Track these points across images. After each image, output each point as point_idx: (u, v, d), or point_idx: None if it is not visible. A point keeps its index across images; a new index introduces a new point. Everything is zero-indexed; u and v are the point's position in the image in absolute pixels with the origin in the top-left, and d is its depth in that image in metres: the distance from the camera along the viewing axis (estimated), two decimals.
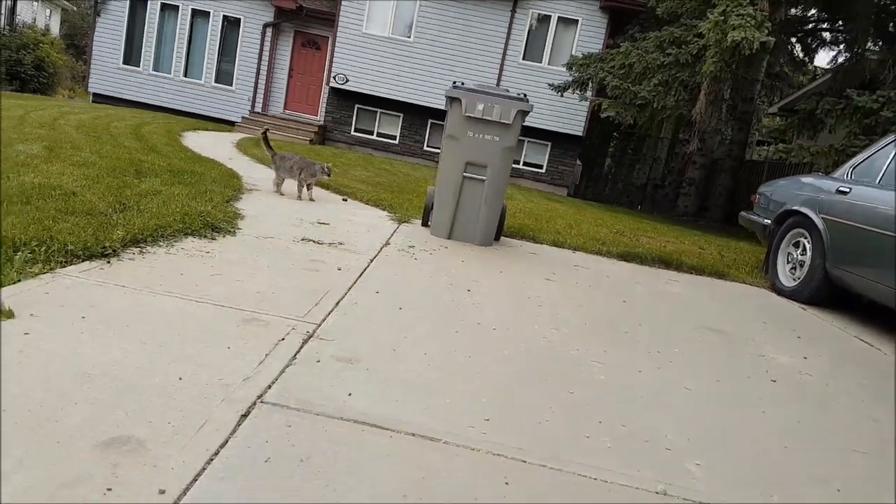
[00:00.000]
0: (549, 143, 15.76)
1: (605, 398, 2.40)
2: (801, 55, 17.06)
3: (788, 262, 5.20)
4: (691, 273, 5.45)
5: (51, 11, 26.78)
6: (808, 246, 4.92)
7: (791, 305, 4.81)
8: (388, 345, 2.54)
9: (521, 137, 15.26)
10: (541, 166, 15.99)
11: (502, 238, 5.51)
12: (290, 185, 6.11)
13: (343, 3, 15.00)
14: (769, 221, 5.49)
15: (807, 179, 5.49)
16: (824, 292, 4.75)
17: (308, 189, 6.06)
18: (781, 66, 18.10)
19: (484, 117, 4.88)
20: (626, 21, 15.61)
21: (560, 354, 2.80)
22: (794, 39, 15.86)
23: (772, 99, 17.59)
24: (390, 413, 1.97)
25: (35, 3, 24.36)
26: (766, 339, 3.66)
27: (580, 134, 15.36)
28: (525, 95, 5.08)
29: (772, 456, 2.16)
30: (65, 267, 2.69)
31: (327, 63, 15.68)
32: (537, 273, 4.42)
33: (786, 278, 5.16)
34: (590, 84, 12.86)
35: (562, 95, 13.61)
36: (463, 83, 5.11)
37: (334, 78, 15.28)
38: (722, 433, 2.29)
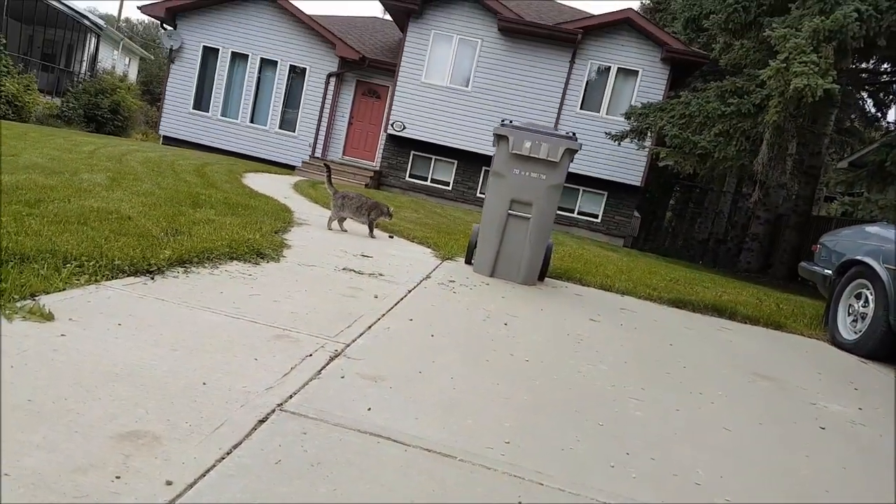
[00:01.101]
0: (606, 193, 15.64)
1: (637, 432, 2.29)
2: (872, 110, 16.57)
3: (849, 315, 4.93)
4: (746, 322, 5.23)
5: (129, 59, 28.76)
6: (870, 297, 4.66)
7: (850, 358, 4.53)
8: (414, 367, 2.51)
9: (576, 186, 15.33)
10: (596, 216, 15.84)
11: (547, 279, 5.44)
12: (340, 222, 6.24)
13: (404, 54, 15.55)
14: (830, 272, 5.24)
15: (871, 229, 5.23)
16: (887, 346, 4.46)
17: (371, 227, 6.30)
18: (852, 121, 17.61)
19: (531, 155, 4.89)
20: (688, 72, 15.57)
21: (594, 389, 2.71)
22: (864, 94, 15.44)
23: (842, 155, 17.06)
24: (408, 428, 1.93)
25: (115, 52, 26.21)
26: (818, 389, 3.44)
27: (638, 184, 15.20)
28: (574, 134, 5.08)
29: (811, 498, 2.01)
30: (110, 280, 2.79)
31: (386, 111, 16.17)
32: (580, 313, 4.33)
33: (846, 331, 4.88)
34: (648, 133, 12.79)
35: (619, 144, 13.56)
36: (511, 121, 5.16)
37: (392, 125, 15.72)
38: (758, 473, 2.15)
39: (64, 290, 2.51)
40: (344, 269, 4.22)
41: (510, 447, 1.94)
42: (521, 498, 1.65)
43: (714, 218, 19.17)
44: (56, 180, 5.10)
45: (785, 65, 9.19)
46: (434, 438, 1.90)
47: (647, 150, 13.59)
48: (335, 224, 6.24)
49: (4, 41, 15.92)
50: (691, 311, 5.32)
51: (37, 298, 2.31)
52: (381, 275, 4.25)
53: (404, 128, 15.69)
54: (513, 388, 2.49)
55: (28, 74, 16.94)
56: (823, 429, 2.75)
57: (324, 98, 16.64)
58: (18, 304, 2.20)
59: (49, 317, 2.16)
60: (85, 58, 23.27)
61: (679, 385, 3.02)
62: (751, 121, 10.90)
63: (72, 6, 21.64)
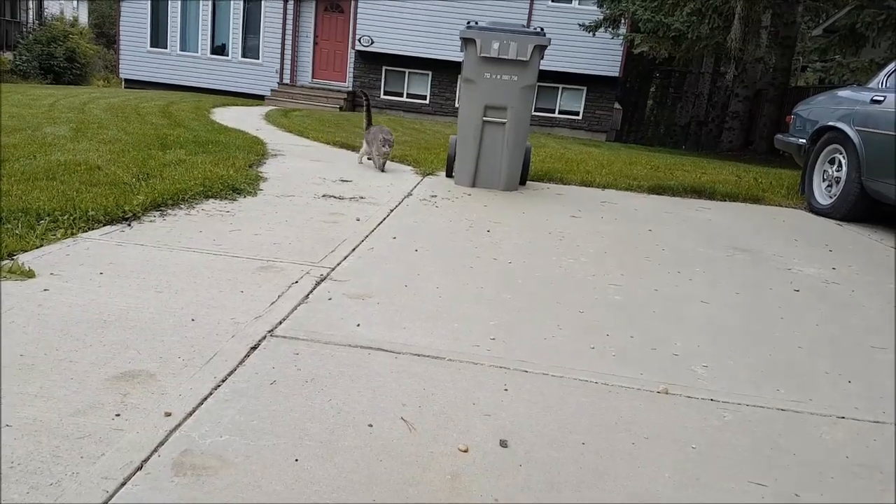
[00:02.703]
0: (585, 88, 15.36)
1: (617, 315, 2.39)
2: None
3: (824, 181, 5.02)
4: (724, 200, 5.31)
5: (77, 2, 27.22)
6: (843, 161, 4.73)
7: (827, 223, 4.66)
8: (400, 282, 2.56)
9: (554, 84, 15.03)
10: (577, 113, 15.63)
11: (529, 183, 5.44)
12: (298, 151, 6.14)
13: None
14: (804, 140, 5.27)
15: (843, 93, 5.22)
16: (861, 208, 4.58)
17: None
18: None
19: (500, 56, 4.76)
20: None
21: (575, 281, 2.79)
22: None
23: (817, 22, 16.64)
24: (397, 338, 2.00)
25: None
26: (794, 255, 3.56)
27: (616, 75, 14.91)
28: (542, 29, 4.93)
29: (784, 356, 2.14)
30: (86, 232, 2.79)
31: (351, 26, 15.55)
32: (561, 211, 4.37)
33: (822, 196, 4.99)
34: (622, 20, 12.43)
35: (594, 35, 13.20)
36: (477, 22, 4.99)
37: (359, 41, 15.18)
38: (733, 339, 2.27)
39: (41, 246, 2.52)
40: (324, 195, 4.21)
41: (495, 343, 2.03)
42: (507, 385, 1.75)
43: (694, 101, 18.96)
44: (18, 137, 4.97)
45: None
46: (422, 344, 1.98)
47: (622, 38, 13.24)
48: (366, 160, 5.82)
49: None
50: (671, 195, 5.38)
51: (15, 257, 2.32)
52: (362, 198, 4.25)
53: (372, 42, 15.16)
54: (496, 290, 2.56)
55: None
56: (798, 291, 2.88)
57: (284, 19, 15.94)
58: None
59: (30, 273, 2.18)
60: (31, 5, 22.02)
61: (658, 268, 3.11)
62: None
63: None
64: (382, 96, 16.01)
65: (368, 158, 5.76)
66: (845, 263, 3.46)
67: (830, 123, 4.87)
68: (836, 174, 4.83)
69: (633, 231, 3.96)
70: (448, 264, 2.89)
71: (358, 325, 2.07)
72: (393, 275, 2.66)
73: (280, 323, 2.04)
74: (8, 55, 18.48)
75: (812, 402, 1.82)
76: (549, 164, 6.37)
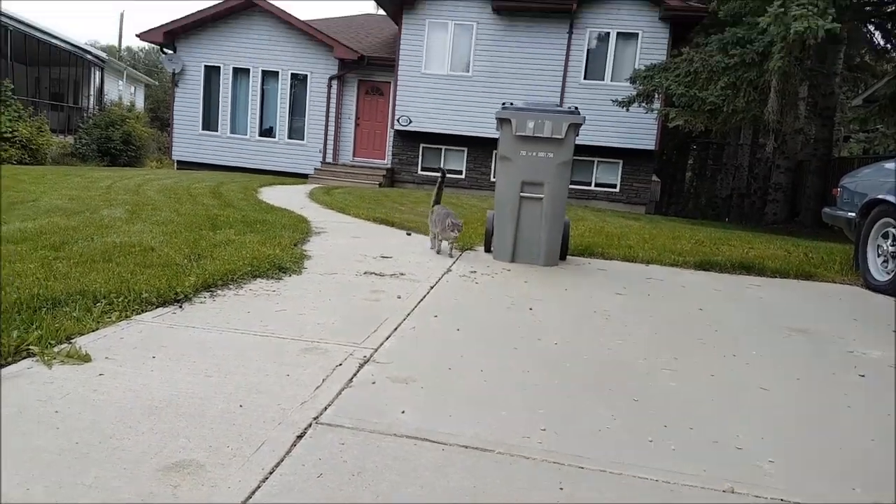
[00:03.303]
0: (621, 161, 15.49)
1: (673, 403, 2.30)
2: (882, 42, 16.08)
3: (879, 255, 4.85)
4: (775, 276, 5.18)
5: (135, 88, 29.06)
6: None
7: (886, 300, 4.47)
8: (443, 365, 2.54)
9: (589, 158, 15.21)
10: (614, 186, 15.70)
11: (569, 257, 5.43)
12: (343, 227, 6.27)
13: (402, 47, 15.52)
14: (854, 214, 5.16)
15: (890, 165, 5.12)
16: None
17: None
18: (862, 57, 17.14)
19: (535, 135, 4.88)
20: (689, 28, 15.31)
21: (626, 365, 2.71)
22: (871, 27, 15.00)
23: (855, 92, 16.65)
24: (443, 427, 1.96)
25: (120, 82, 26.51)
26: (855, 336, 3.41)
27: (652, 148, 15.02)
28: (576, 108, 5.05)
29: (856, 449, 2.01)
30: (140, 314, 2.87)
31: (390, 107, 16.18)
32: (605, 288, 4.32)
33: (878, 272, 4.82)
34: (655, 95, 12.62)
35: (627, 110, 13.41)
36: (512, 103, 5.14)
37: (398, 121, 15.74)
38: (799, 430, 2.15)
39: (97, 329, 2.58)
40: (365, 273, 4.26)
41: (546, 434, 1.96)
42: (563, 484, 1.67)
43: (735, 172, 18.87)
44: (77, 220, 5.21)
45: (783, 9, 9.00)
46: (470, 434, 1.93)
47: (656, 112, 13.43)
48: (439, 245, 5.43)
49: (12, 86, 16.22)
50: (719, 272, 5.28)
51: (73, 341, 2.39)
52: (402, 274, 4.29)
53: (410, 122, 15.69)
54: (543, 374, 2.51)
55: (39, 116, 17.27)
56: (863, 376, 2.73)
57: (328, 102, 16.69)
58: (56, 349, 2.27)
59: (86, 358, 2.23)
60: (91, 92, 23.61)
61: (712, 350, 3.02)
62: (756, 70, 10.70)
63: (73, 42, 21.93)
64: (420, 172, 16.42)
65: (439, 242, 5.38)
66: None
67: (880, 196, 4.77)
68: (891, 249, 4.68)
69: (682, 310, 3.87)
70: (491, 345, 2.86)
71: (403, 412, 2.05)
72: (436, 356, 2.64)
73: (325, 409, 2.03)
74: (69, 139, 19.67)
75: None
76: (588, 239, 6.36)
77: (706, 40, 12.48)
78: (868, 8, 13.18)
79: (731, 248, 6.65)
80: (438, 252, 5.31)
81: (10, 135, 14.85)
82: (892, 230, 4.68)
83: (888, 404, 2.43)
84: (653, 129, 14.73)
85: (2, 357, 2.17)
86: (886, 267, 4.74)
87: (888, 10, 14.03)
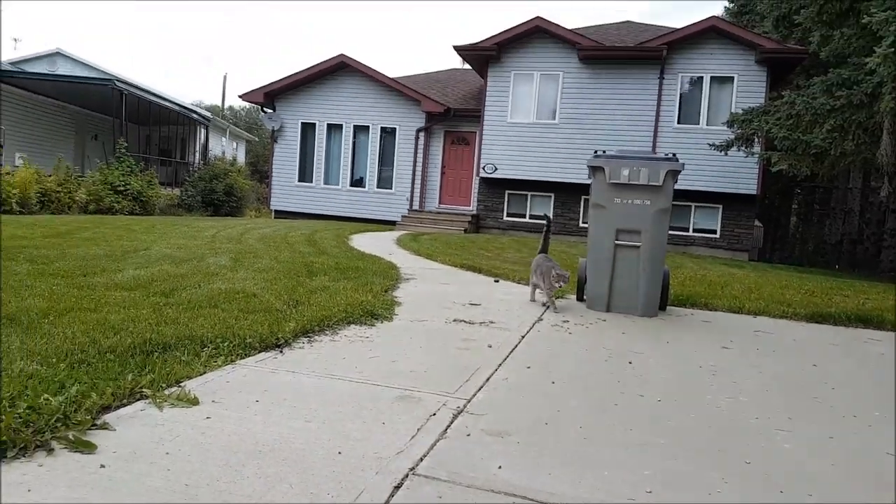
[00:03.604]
0: (720, 206, 14.94)
1: (789, 468, 2.12)
2: None
3: None
4: None
5: (237, 143, 31.18)
6: None
7: None
8: (539, 419, 2.46)
9: (686, 203, 14.75)
10: (713, 231, 15.11)
11: (669, 308, 5.21)
12: (437, 274, 6.32)
13: (487, 98, 15.86)
14: None
15: None
16: None
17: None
18: None
19: (631, 182, 4.78)
20: (788, 70, 14.79)
21: (736, 424, 2.53)
22: None
23: None
24: (542, 485, 1.88)
25: (223, 138, 28.50)
26: None
27: (754, 192, 14.42)
28: (674, 154, 4.92)
29: None
30: (243, 358, 2.98)
31: (476, 156, 16.47)
32: (710, 341, 4.09)
33: None
34: (755, 138, 12.15)
35: (726, 154, 12.98)
36: (605, 151, 5.08)
37: (483, 168, 15.95)
38: None
39: (204, 373, 2.70)
40: (454, 320, 4.25)
41: (652, 497, 1.84)
42: None
43: (844, 217, 17.72)
44: (185, 268, 5.54)
45: (892, 48, 8.51)
46: (570, 494, 1.84)
47: (756, 156, 12.91)
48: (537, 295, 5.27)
49: (126, 144, 17.72)
50: (833, 324, 4.90)
51: (182, 384, 2.50)
52: (491, 322, 4.25)
53: (496, 169, 15.86)
54: (647, 433, 2.37)
55: (149, 171, 18.71)
56: None
57: (415, 153, 17.22)
58: (167, 392, 2.38)
59: (195, 401, 2.32)
60: (197, 148, 25.48)
61: (829, 410, 2.78)
62: (865, 111, 10.11)
63: (181, 103, 23.85)
64: (505, 217, 16.48)
65: (540, 292, 5.16)
66: None
67: None
68: None
69: (795, 366, 3.60)
70: (590, 400, 2.75)
71: (499, 468, 1.98)
72: (531, 410, 2.56)
73: (421, 460, 2.00)
74: (176, 191, 21.20)
75: None
76: (689, 288, 6.10)
77: (808, 82, 11.96)
78: None
79: (844, 298, 6.17)
80: (533, 300, 5.18)
81: (123, 188, 16.17)
82: None
83: None
84: (753, 172, 14.16)
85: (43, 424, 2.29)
86: None
87: None
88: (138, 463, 1.85)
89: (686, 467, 2.09)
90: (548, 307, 4.95)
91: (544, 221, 5.81)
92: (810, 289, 6.93)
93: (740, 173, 14.22)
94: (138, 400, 2.32)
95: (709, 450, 2.25)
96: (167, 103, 22.21)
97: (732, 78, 14.36)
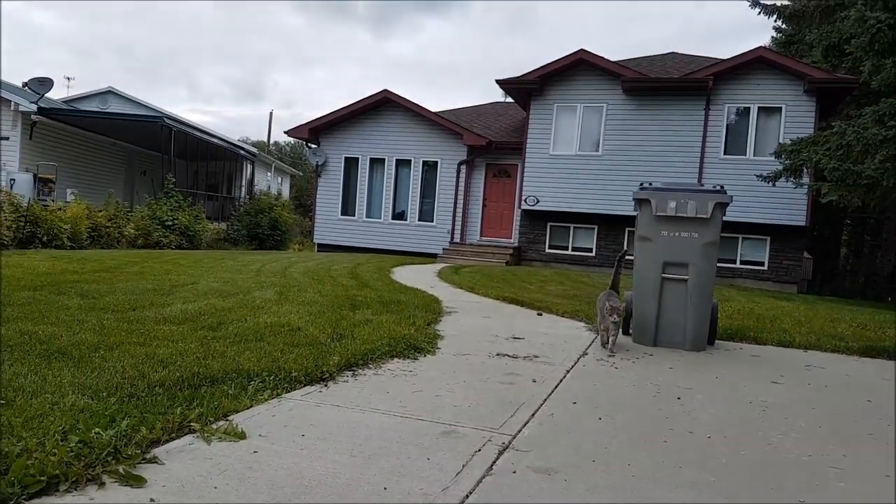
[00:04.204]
0: (768, 238, 14.56)
1: None
2: None
3: None
4: None
5: (281, 178, 31.90)
6: None
7: None
8: (586, 455, 2.41)
9: (733, 234, 14.43)
10: (761, 263, 14.71)
11: (717, 342, 5.08)
12: (477, 307, 6.27)
13: (529, 130, 15.92)
14: None
15: None
16: None
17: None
18: None
19: (678, 214, 4.73)
20: (837, 100, 14.46)
21: (788, 461, 2.45)
22: None
23: None
24: None
25: (268, 173, 29.22)
26: None
27: (803, 224, 14.02)
28: (722, 187, 4.85)
29: None
30: (289, 392, 3.01)
31: (517, 188, 16.48)
32: (760, 376, 3.97)
33: None
34: (804, 169, 11.88)
35: (773, 185, 12.69)
36: (651, 183, 5.05)
37: (525, 200, 15.95)
38: None
39: (251, 406, 2.73)
40: (497, 354, 4.23)
41: None
42: None
43: None
44: (232, 301, 5.65)
45: None
46: None
47: (805, 186, 12.59)
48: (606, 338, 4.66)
49: (174, 180, 18.32)
50: (887, 359, 4.72)
51: (230, 418, 2.54)
52: (535, 357, 4.20)
53: (538, 202, 15.84)
54: (697, 470, 2.30)
55: (196, 206, 19.20)
56: None
57: (456, 186, 17.33)
58: (214, 426, 2.42)
59: (242, 435, 2.35)
60: (243, 183, 26.13)
61: (885, 447, 2.68)
62: None
63: (227, 139, 24.59)
64: (547, 250, 16.37)
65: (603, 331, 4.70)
66: None
67: None
68: None
69: (848, 401, 3.47)
70: (638, 436, 2.68)
71: None
72: (578, 446, 2.52)
73: (467, 497, 1.98)
74: (222, 225, 21.73)
75: None
76: (738, 321, 5.94)
77: (859, 112, 11.67)
78: None
79: None
80: (605, 345, 4.61)
81: (170, 222, 16.65)
82: None
83: None
84: (802, 203, 13.78)
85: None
86: None
87: None
88: (187, 496, 1.88)
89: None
90: (591, 342, 4.87)
91: (622, 256, 5.53)
92: (862, 322, 6.67)
93: (788, 204, 13.86)
94: (187, 434, 2.36)
95: (761, 488, 2.18)
96: (214, 139, 22.93)
97: (780, 108, 14.11)
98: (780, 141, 13.18)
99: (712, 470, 2.32)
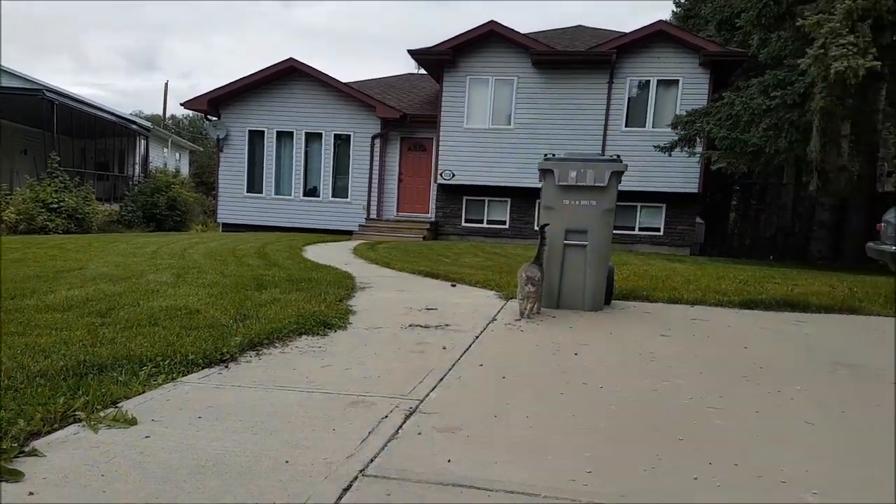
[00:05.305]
0: (664, 205, 15.39)
1: (718, 441, 2.28)
2: None
3: None
4: (820, 312, 5.10)
5: (179, 154, 30.17)
6: None
7: None
8: (489, 412, 2.51)
9: (633, 203, 15.13)
10: (658, 229, 15.55)
11: (614, 302, 5.35)
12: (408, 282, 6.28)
13: (443, 103, 15.93)
14: None
15: None
16: None
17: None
18: None
19: (578, 183, 4.90)
20: (729, 73, 15.31)
21: (671, 405, 2.67)
22: None
23: None
24: (489, 474, 1.94)
25: (165, 149, 27.62)
26: None
27: (696, 191, 14.90)
28: (618, 156, 5.06)
29: None
30: (186, 375, 2.92)
31: (433, 162, 16.49)
32: (650, 331, 4.23)
33: None
34: (697, 139, 12.58)
35: (670, 155, 13.37)
36: (554, 154, 5.19)
37: (441, 175, 16.02)
38: (843, 462, 2.11)
39: (144, 392, 2.64)
40: (410, 325, 4.27)
41: (592, 476, 1.93)
42: None
43: (778, 212, 18.47)
44: (123, 286, 5.36)
45: (823, 50, 9.01)
46: (516, 480, 1.90)
47: (698, 156, 13.34)
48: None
49: (58, 158, 17.01)
50: (764, 310, 5.20)
51: (119, 405, 2.44)
52: (447, 325, 4.28)
53: (453, 175, 15.95)
54: (590, 418, 2.46)
55: (85, 186, 17.91)
56: None
57: (371, 160, 17.10)
58: (102, 414, 2.32)
59: (133, 421, 2.28)
60: (137, 160, 24.59)
61: (757, 387, 2.96)
62: (798, 110, 10.63)
63: (118, 113, 23.07)
64: (464, 224, 16.58)
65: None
66: None
67: None
68: None
69: (727, 349, 3.78)
70: (537, 391, 2.82)
71: (449, 461, 2.02)
72: (482, 404, 2.61)
73: (371, 461, 2.02)
74: (115, 207, 20.43)
75: None
76: (633, 282, 6.27)
77: (747, 83, 12.44)
78: None
79: (775, 286, 6.46)
80: (523, 314, 4.63)
81: (56, 205, 15.46)
82: None
83: None
84: (696, 172, 14.61)
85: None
86: None
87: None
88: (70, 487, 1.80)
89: (624, 447, 2.19)
90: (500, 308, 5.01)
91: (542, 230, 5.20)
92: (744, 278, 7.23)
93: (683, 173, 14.66)
94: (72, 423, 2.25)
95: (646, 430, 2.36)
96: (103, 113, 21.42)
97: (678, 81, 14.79)
98: (677, 113, 13.86)
99: (603, 416, 2.49)
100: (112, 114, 22.31)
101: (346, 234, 16.04)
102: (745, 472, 1.98)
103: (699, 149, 13.10)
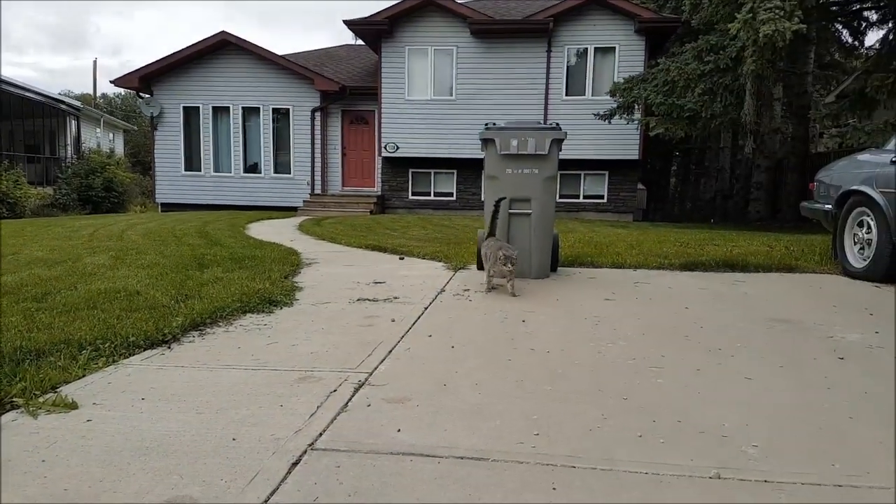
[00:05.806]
0: (607, 172, 15.67)
1: (660, 399, 2.34)
2: (850, 40, 16.37)
3: (856, 244, 5.03)
4: (758, 271, 5.31)
5: (113, 134, 28.85)
6: (872, 223, 4.73)
7: (864, 286, 4.62)
8: (438, 381, 2.54)
9: (577, 171, 15.37)
10: (601, 197, 15.86)
11: (560, 269, 5.45)
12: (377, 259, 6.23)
13: (383, 75, 15.68)
14: (830, 206, 5.30)
15: (863, 157, 5.32)
16: None
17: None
18: (832, 55, 17.45)
19: (519, 152, 4.92)
20: (664, 39, 15.57)
21: (615, 366, 2.74)
22: (839, 26, 15.29)
23: (828, 89, 16.94)
24: (439, 441, 1.96)
25: (97, 130, 26.37)
26: (835, 322, 3.51)
27: (636, 157, 15.22)
28: (557, 124, 5.10)
29: (836, 428, 2.08)
30: (128, 357, 2.85)
31: (377, 135, 16.29)
32: (594, 295, 4.34)
33: (855, 259, 4.99)
34: (636, 106, 12.80)
35: (609, 122, 13.58)
36: (495, 123, 5.20)
37: (385, 148, 15.85)
38: (781, 414, 2.21)
39: (84, 376, 2.56)
40: (358, 300, 4.25)
41: (539, 438, 1.98)
42: (555, 484, 1.70)
43: (717, 175, 19.12)
44: (59, 270, 5.18)
45: (751, 14, 9.25)
46: (465, 445, 1.93)
47: (637, 123, 13.60)
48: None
49: None
50: (703, 271, 5.39)
51: (58, 390, 2.37)
52: (395, 298, 4.28)
53: (398, 148, 15.80)
54: (536, 382, 2.52)
55: (15, 170, 17.11)
56: (843, 359, 2.82)
57: (312, 134, 16.76)
58: (41, 399, 2.25)
59: (73, 405, 2.21)
60: (69, 141, 23.47)
61: (697, 346, 3.06)
62: (731, 74, 10.93)
63: (45, 93, 21.92)
64: (411, 196, 16.50)
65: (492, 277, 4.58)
66: (888, 327, 3.37)
67: (854, 187, 4.94)
68: (866, 236, 4.85)
69: (668, 310, 3.90)
70: (485, 359, 2.86)
71: (398, 431, 2.04)
72: (430, 374, 2.64)
73: (320, 435, 2.02)
74: (49, 190, 19.51)
75: (870, 475, 1.74)
76: (578, 249, 6.39)
77: (681, 49, 12.70)
78: (834, 8, 13.46)
79: (715, 247, 6.71)
80: (489, 291, 4.53)
81: None
82: (867, 219, 4.83)
83: (865, 384, 2.50)
84: (636, 139, 14.91)
85: None
86: (863, 254, 4.91)
87: (853, 9, 14.31)
88: (10, 475, 1.75)
89: (570, 408, 2.24)
90: (449, 279, 5.04)
91: (498, 202, 4.92)
92: (685, 241, 7.48)
93: (623, 140, 14.95)
94: (9, 410, 2.18)
95: (591, 391, 2.43)
96: (28, 94, 20.32)
97: (614, 48, 14.96)
98: (615, 80, 14.05)
99: (549, 379, 2.55)
100: (38, 93, 21.13)
101: (290, 211, 15.77)
102: (687, 429, 2.06)
103: (637, 115, 13.36)
